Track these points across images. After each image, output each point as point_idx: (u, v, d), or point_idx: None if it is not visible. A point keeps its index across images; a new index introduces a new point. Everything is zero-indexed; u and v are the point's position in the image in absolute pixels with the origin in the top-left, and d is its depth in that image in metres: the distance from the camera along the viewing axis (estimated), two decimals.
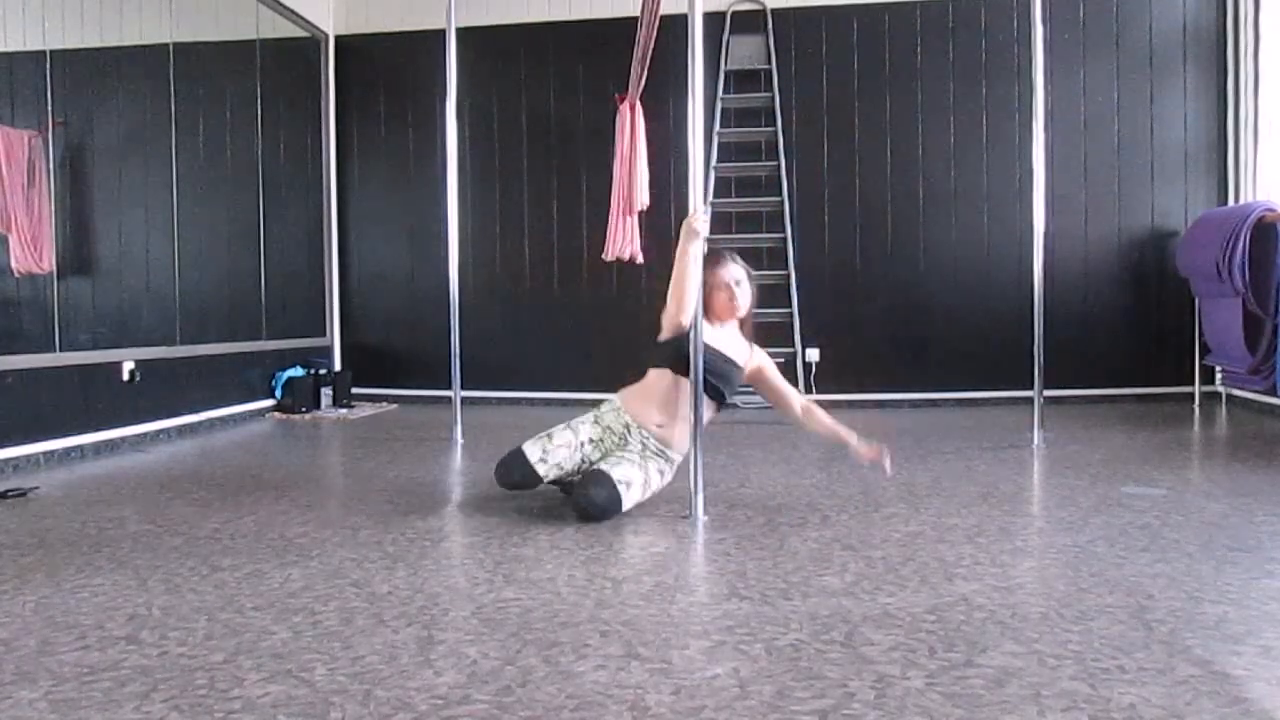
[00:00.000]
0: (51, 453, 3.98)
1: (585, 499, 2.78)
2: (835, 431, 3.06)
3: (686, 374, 2.89)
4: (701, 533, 2.72)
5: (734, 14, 6.02)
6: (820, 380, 5.88)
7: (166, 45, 4.84)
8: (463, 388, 4.78)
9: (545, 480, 2.96)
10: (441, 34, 4.84)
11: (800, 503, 3.04)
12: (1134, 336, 5.85)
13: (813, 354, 5.86)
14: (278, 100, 5.90)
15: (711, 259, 3.03)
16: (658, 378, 3.00)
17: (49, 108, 4.06)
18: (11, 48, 3.95)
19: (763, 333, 5.67)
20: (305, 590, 2.18)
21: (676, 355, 2.93)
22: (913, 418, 5.41)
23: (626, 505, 2.81)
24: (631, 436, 2.97)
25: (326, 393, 5.98)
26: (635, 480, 2.85)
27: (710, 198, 5.90)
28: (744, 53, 6.03)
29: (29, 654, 1.79)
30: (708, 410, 2.96)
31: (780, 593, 2.12)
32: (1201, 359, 5.51)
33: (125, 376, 4.45)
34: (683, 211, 3.00)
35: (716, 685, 1.61)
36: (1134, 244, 5.87)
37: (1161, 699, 1.52)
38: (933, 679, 1.62)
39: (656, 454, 2.96)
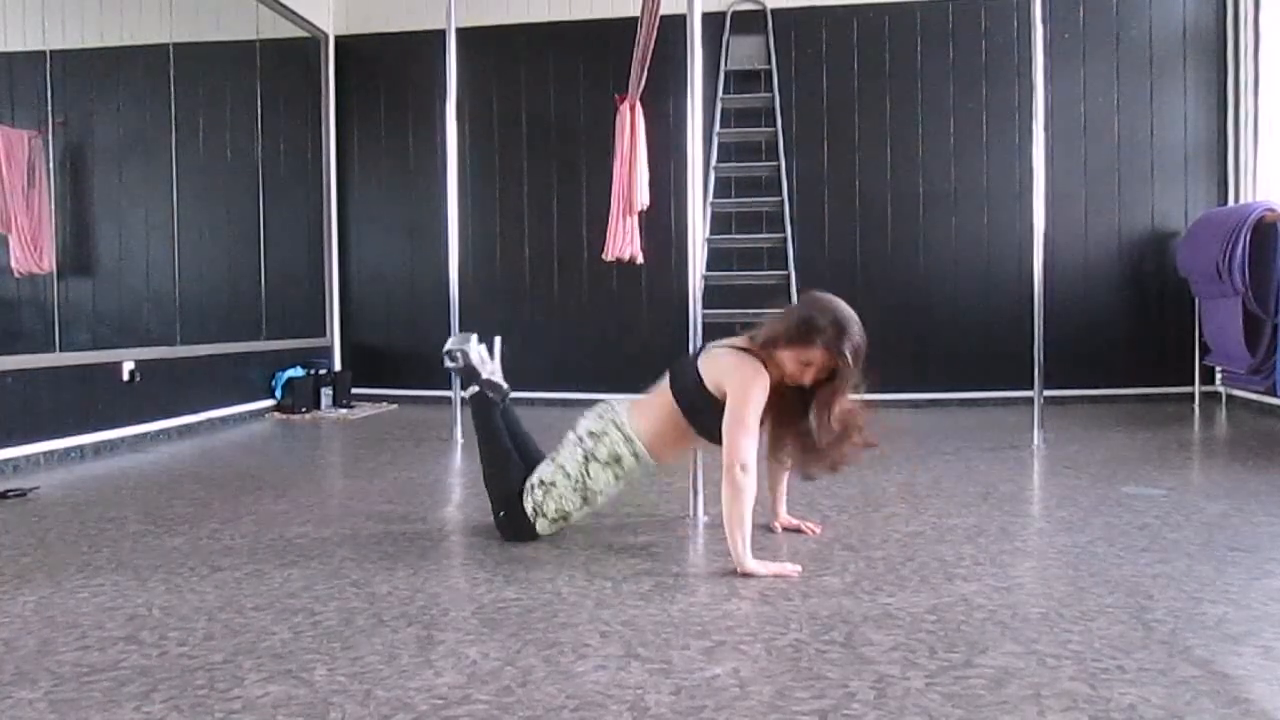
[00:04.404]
0: (51, 453, 3.98)
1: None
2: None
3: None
4: (701, 533, 2.72)
5: (734, 14, 6.02)
6: None
7: (166, 45, 4.84)
8: (462, 389, 4.78)
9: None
10: (441, 34, 4.84)
11: (800, 503, 3.03)
12: (1134, 336, 5.85)
13: None
14: (278, 100, 5.90)
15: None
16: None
17: (49, 108, 4.06)
18: (11, 48, 3.95)
19: None
20: (305, 590, 2.18)
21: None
22: (913, 418, 5.41)
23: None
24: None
25: (326, 393, 5.98)
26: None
27: (710, 198, 5.90)
28: (744, 53, 6.02)
29: (29, 654, 1.79)
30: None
31: (780, 593, 2.12)
32: (1201, 359, 5.51)
33: (125, 376, 4.45)
34: (683, 212, 2.99)
35: (716, 685, 1.60)
36: (1134, 244, 5.87)
37: (1161, 699, 1.52)
38: (933, 679, 1.62)
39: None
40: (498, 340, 3.04)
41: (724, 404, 2.41)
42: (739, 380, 2.39)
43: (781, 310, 2.51)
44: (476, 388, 2.85)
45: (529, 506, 2.58)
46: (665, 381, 2.60)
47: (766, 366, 2.42)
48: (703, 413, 2.49)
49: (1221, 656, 1.70)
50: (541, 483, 2.57)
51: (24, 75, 4.00)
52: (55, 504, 3.22)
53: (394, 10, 6.43)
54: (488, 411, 2.80)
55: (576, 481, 2.54)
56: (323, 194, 6.42)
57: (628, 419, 2.57)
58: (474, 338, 2.98)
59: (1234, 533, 2.61)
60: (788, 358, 2.41)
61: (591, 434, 2.57)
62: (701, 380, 2.48)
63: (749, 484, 2.30)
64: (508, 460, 2.67)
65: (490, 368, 2.93)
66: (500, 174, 6.36)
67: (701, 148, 3.00)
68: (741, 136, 6.01)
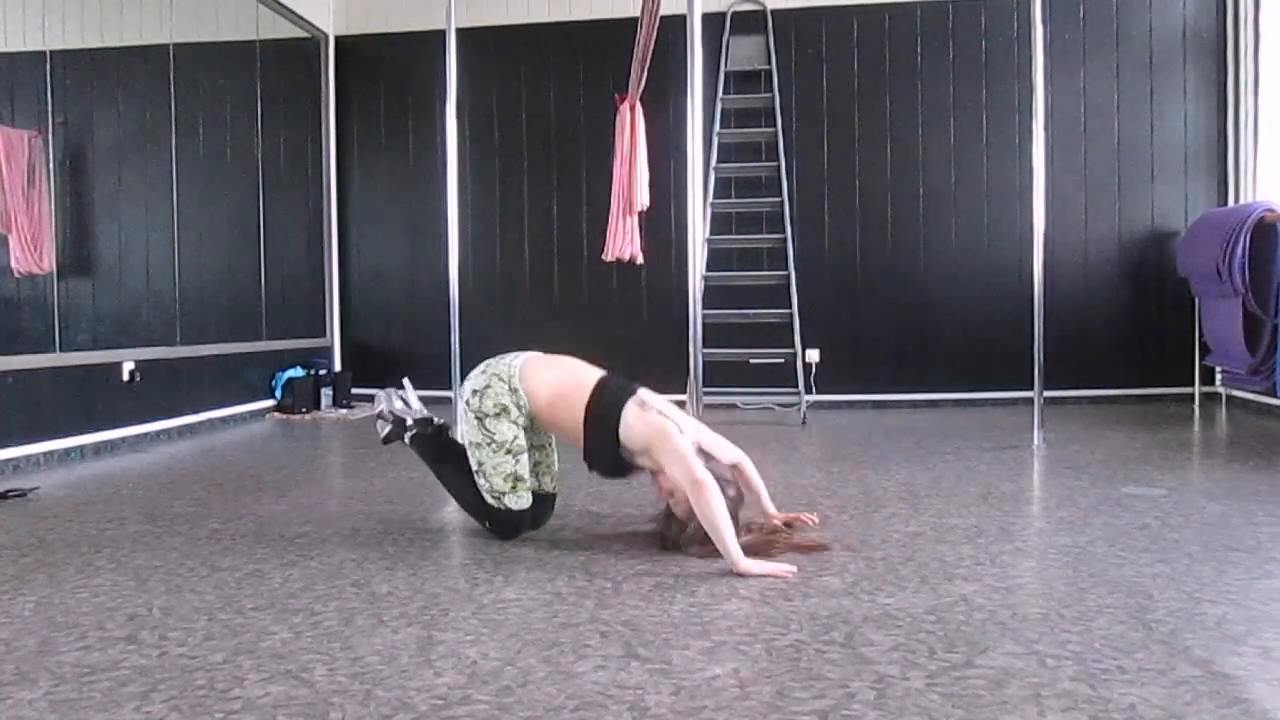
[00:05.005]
0: (51, 453, 3.98)
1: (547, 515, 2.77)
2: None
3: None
4: None
5: (734, 14, 6.02)
6: (820, 380, 5.88)
7: (166, 45, 4.84)
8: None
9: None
10: (441, 34, 4.84)
11: (800, 503, 3.03)
12: (1134, 336, 5.85)
13: (813, 354, 5.86)
14: (278, 100, 5.90)
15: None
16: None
17: (49, 108, 4.06)
18: (11, 48, 3.95)
19: (763, 333, 5.73)
20: (305, 590, 2.18)
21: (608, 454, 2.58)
22: (913, 418, 5.41)
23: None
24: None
25: (326, 393, 5.98)
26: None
27: (710, 198, 5.90)
28: (744, 53, 6.02)
29: (29, 654, 1.79)
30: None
31: (780, 593, 2.12)
32: (1201, 359, 5.51)
33: (125, 376, 4.45)
34: (683, 212, 2.99)
35: (716, 685, 1.60)
36: (1134, 244, 5.87)
37: (1161, 699, 1.52)
38: (933, 679, 1.62)
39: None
40: (407, 381, 3.03)
41: (625, 453, 2.50)
42: (669, 449, 2.40)
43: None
44: (413, 430, 2.85)
45: (489, 499, 2.62)
46: (588, 381, 2.59)
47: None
48: (599, 451, 2.54)
49: (1221, 656, 1.70)
50: (477, 471, 2.62)
51: (24, 75, 4.00)
52: (55, 504, 3.22)
53: (394, 10, 6.43)
54: (431, 447, 2.85)
55: (490, 445, 2.57)
56: (323, 194, 6.42)
57: (520, 373, 2.60)
58: (391, 390, 2.97)
59: (1234, 533, 2.62)
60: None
61: (475, 392, 2.61)
62: (618, 432, 2.49)
63: (709, 483, 2.32)
64: (465, 480, 2.70)
65: (414, 410, 2.91)
66: (500, 174, 6.36)
67: (701, 148, 3.01)
68: (741, 137, 6.01)
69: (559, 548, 2.55)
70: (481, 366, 2.69)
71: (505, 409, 2.58)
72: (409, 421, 2.86)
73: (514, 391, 2.59)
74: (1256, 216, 4.68)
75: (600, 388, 2.57)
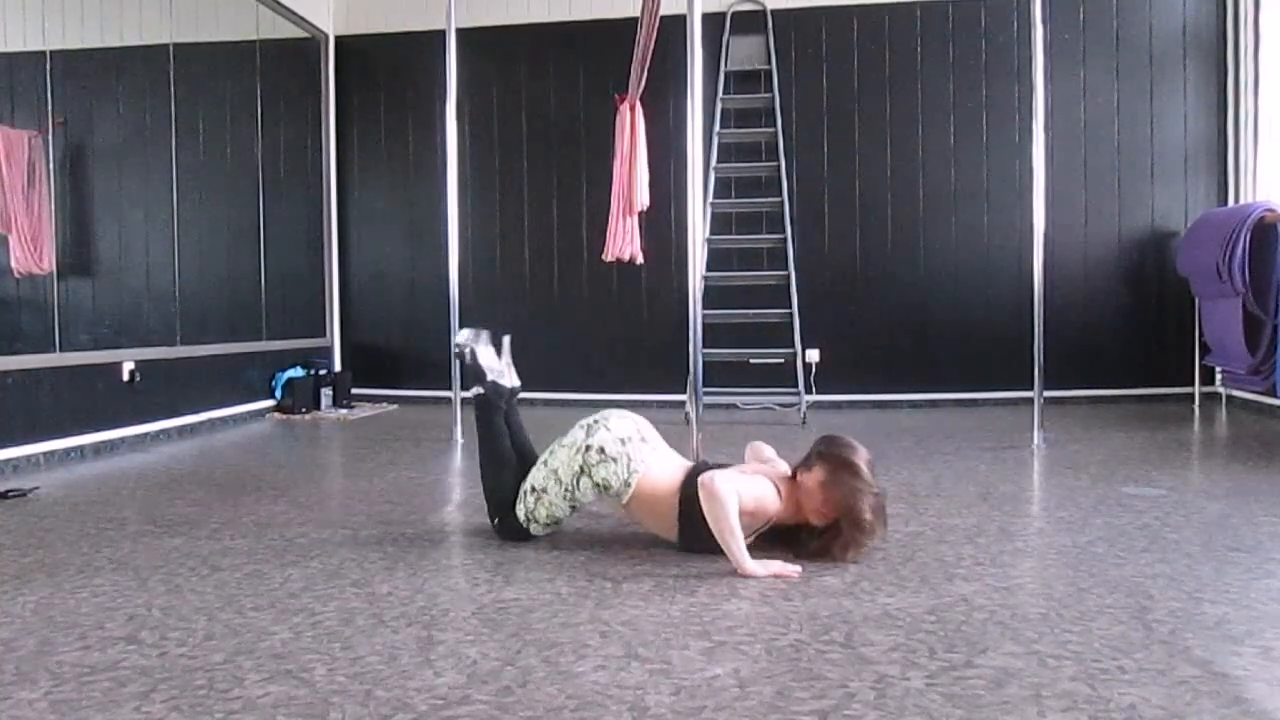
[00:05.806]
0: (51, 453, 3.98)
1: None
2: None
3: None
4: None
5: (734, 14, 6.02)
6: (820, 380, 5.88)
7: (166, 45, 4.84)
8: (462, 388, 4.78)
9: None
10: (441, 34, 4.84)
11: None
12: (1134, 336, 5.85)
13: (813, 354, 5.86)
14: (278, 100, 5.90)
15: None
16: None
17: (49, 108, 4.06)
18: (11, 48, 3.95)
19: (763, 333, 5.74)
20: (305, 590, 2.18)
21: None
22: (913, 418, 5.41)
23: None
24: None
25: (326, 393, 5.98)
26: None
27: (710, 198, 5.90)
28: (744, 53, 6.02)
29: (29, 654, 1.79)
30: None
31: (780, 593, 2.12)
32: (1201, 359, 5.51)
33: (125, 376, 4.45)
34: (683, 213, 2.99)
35: (716, 685, 1.60)
36: (1134, 244, 5.87)
37: (1161, 699, 1.52)
38: (933, 679, 1.62)
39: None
40: (506, 339, 2.98)
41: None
42: (750, 490, 2.41)
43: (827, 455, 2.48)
44: (480, 389, 2.79)
45: (521, 513, 2.60)
46: (682, 469, 2.56)
47: (789, 492, 2.46)
48: (692, 529, 2.45)
49: (1221, 656, 1.70)
50: (534, 489, 2.58)
51: (24, 75, 4.00)
52: (55, 504, 3.22)
53: (394, 10, 6.43)
54: (489, 415, 2.77)
55: (567, 490, 2.55)
56: (323, 194, 6.42)
57: (641, 469, 2.51)
58: (485, 335, 2.88)
59: (1234, 533, 2.62)
60: (816, 490, 2.42)
61: (602, 451, 2.52)
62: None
63: (722, 489, 2.30)
64: (505, 466, 2.67)
65: (498, 369, 2.84)
66: (500, 174, 6.36)
67: (701, 148, 3.00)
68: (741, 137, 6.01)
69: (559, 548, 2.55)
70: (622, 430, 2.57)
71: (606, 489, 2.53)
72: (488, 377, 2.79)
73: (627, 485, 2.51)
74: (1256, 216, 4.68)
75: (693, 472, 2.52)
